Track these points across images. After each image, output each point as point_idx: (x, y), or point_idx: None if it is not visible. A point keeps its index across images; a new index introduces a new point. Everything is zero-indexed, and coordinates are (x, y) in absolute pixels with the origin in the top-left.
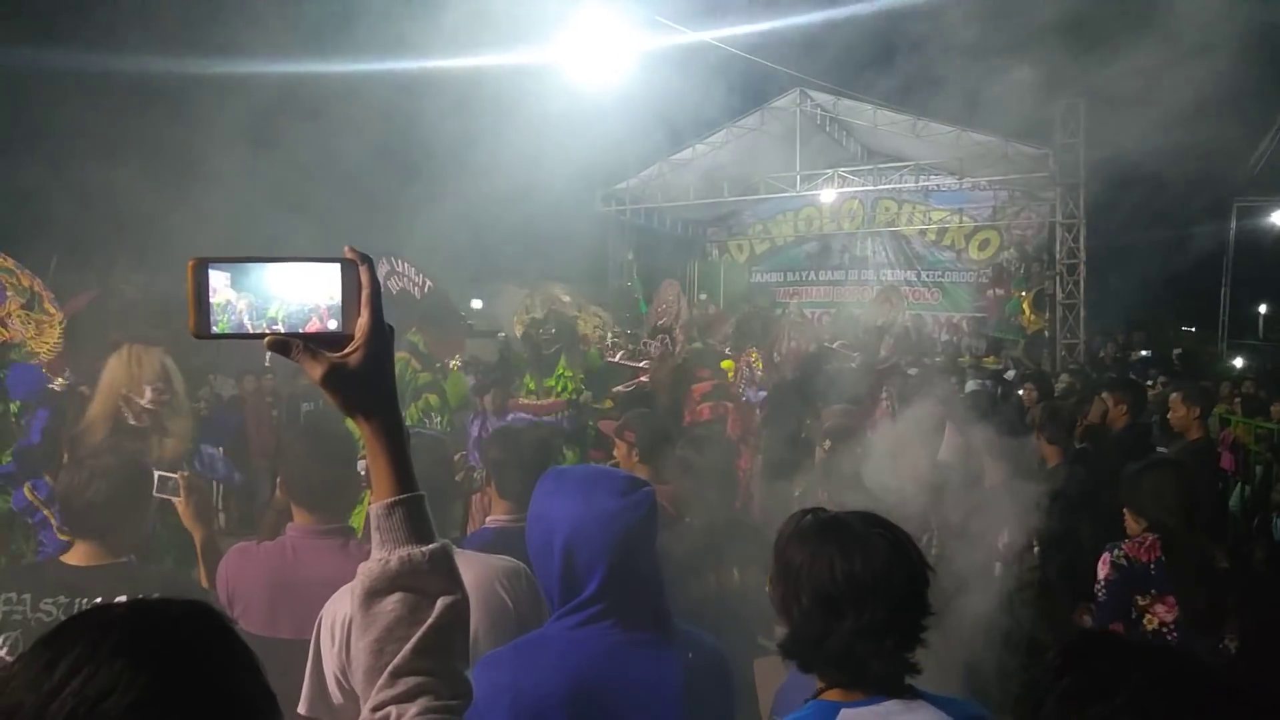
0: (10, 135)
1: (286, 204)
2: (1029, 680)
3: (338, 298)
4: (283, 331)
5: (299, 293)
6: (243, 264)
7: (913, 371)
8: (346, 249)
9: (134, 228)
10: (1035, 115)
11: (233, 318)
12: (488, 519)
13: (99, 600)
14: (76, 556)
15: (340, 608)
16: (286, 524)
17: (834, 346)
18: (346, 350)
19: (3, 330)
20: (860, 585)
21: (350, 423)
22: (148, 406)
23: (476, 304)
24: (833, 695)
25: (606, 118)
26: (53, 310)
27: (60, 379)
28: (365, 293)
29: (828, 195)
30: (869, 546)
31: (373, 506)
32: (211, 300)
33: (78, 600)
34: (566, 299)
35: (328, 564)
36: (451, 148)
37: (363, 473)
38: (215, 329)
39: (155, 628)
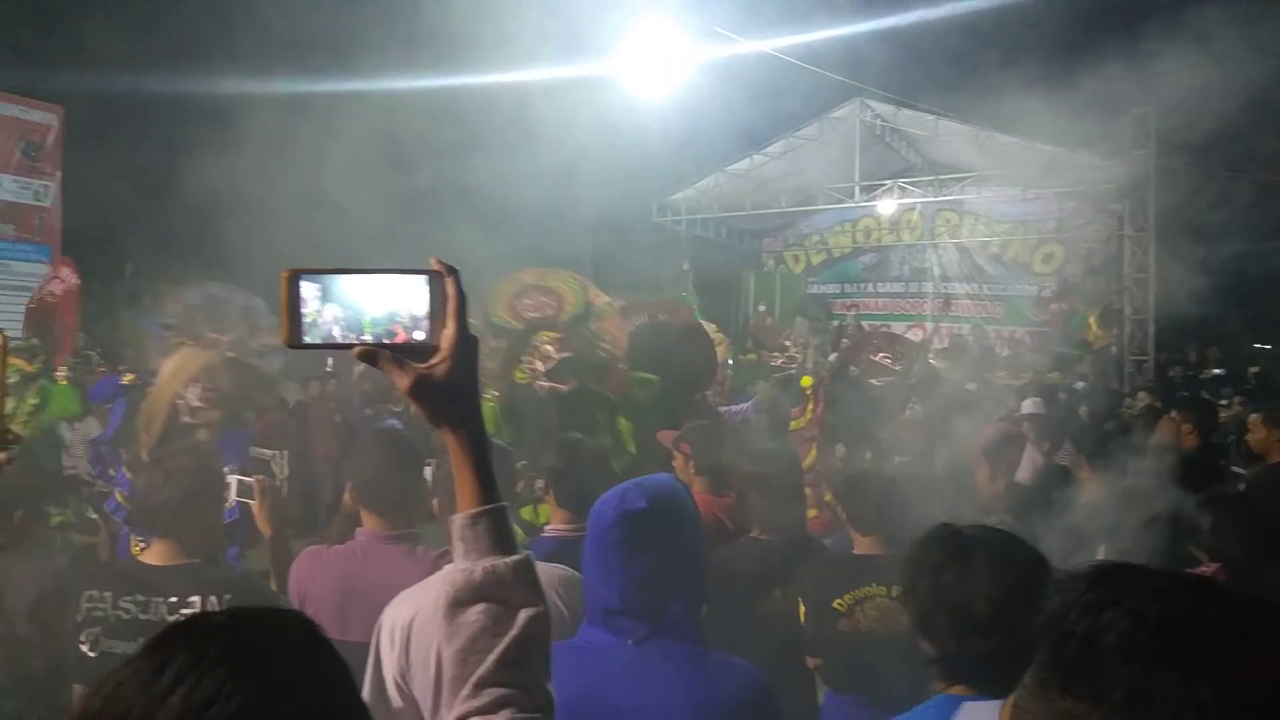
0: (91, 152)
1: (347, 218)
2: (1058, 600)
3: (424, 309)
4: (371, 342)
5: (387, 304)
6: (333, 275)
7: (971, 387)
8: (433, 260)
9: (201, 238)
10: (1103, 124)
11: (323, 328)
12: (547, 528)
13: (173, 600)
14: (153, 556)
15: (400, 611)
16: (355, 528)
17: (876, 359)
18: (433, 361)
19: None
20: (998, 605)
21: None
22: (197, 405)
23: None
24: (957, 690)
25: (663, 129)
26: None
27: (131, 375)
28: (451, 304)
29: (886, 206)
30: (1007, 565)
31: (456, 516)
32: (303, 311)
33: (153, 599)
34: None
35: (395, 569)
36: (506, 159)
37: (429, 480)
38: (306, 339)
39: (256, 637)
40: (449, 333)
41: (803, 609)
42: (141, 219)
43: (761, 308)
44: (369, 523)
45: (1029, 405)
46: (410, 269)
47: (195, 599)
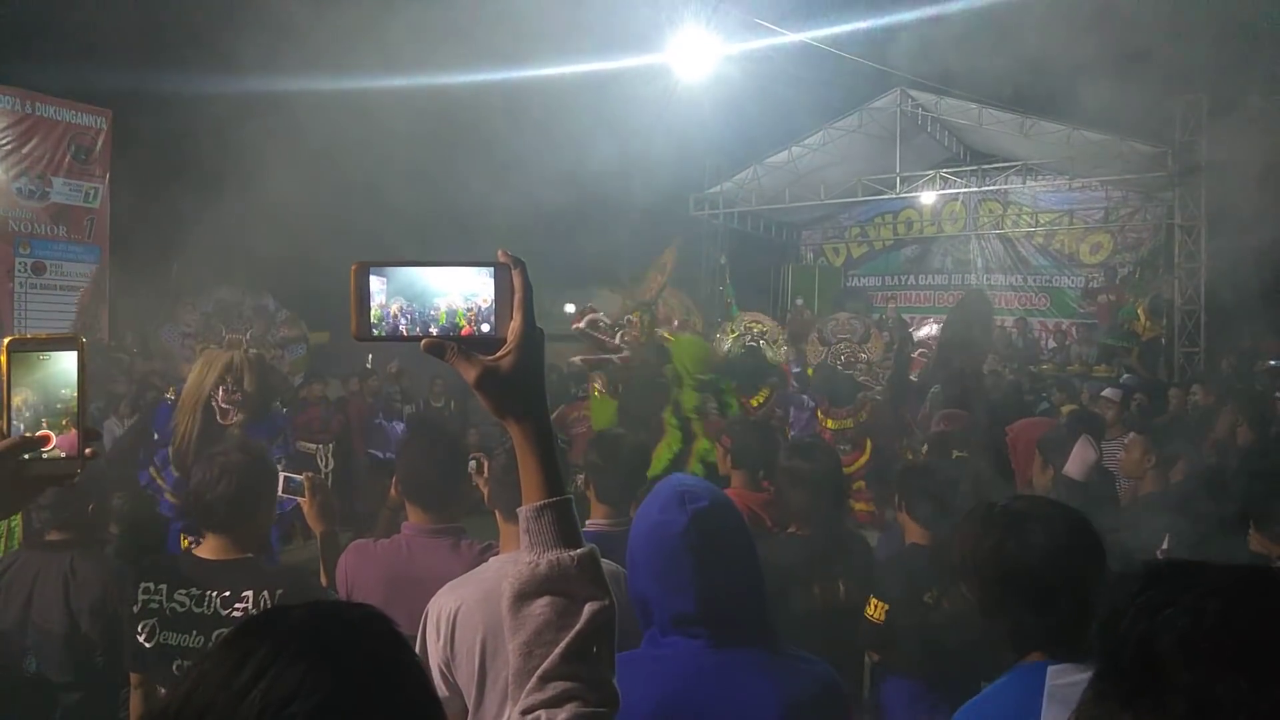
0: (138, 158)
1: (384, 211)
2: (1113, 600)
3: (491, 301)
4: (437, 335)
5: (453, 296)
6: (401, 267)
7: (1013, 380)
8: (500, 252)
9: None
10: (1153, 110)
11: (389, 321)
12: (588, 522)
13: (227, 594)
14: (206, 550)
15: (446, 603)
16: (401, 522)
17: (914, 355)
18: (499, 353)
19: None
20: (1063, 569)
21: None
22: (223, 405)
23: (569, 308)
24: (1035, 657)
25: (701, 121)
26: None
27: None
28: (518, 296)
29: (928, 197)
30: (1059, 530)
31: (522, 509)
32: (371, 304)
33: (208, 593)
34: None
35: (440, 562)
36: (543, 153)
37: (473, 475)
38: (374, 332)
39: (336, 632)
40: (515, 325)
41: (876, 606)
42: (188, 220)
43: (799, 301)
44: (414, 517)
45: (1109, 393)
46: (477, 261)
47: (248, 593)
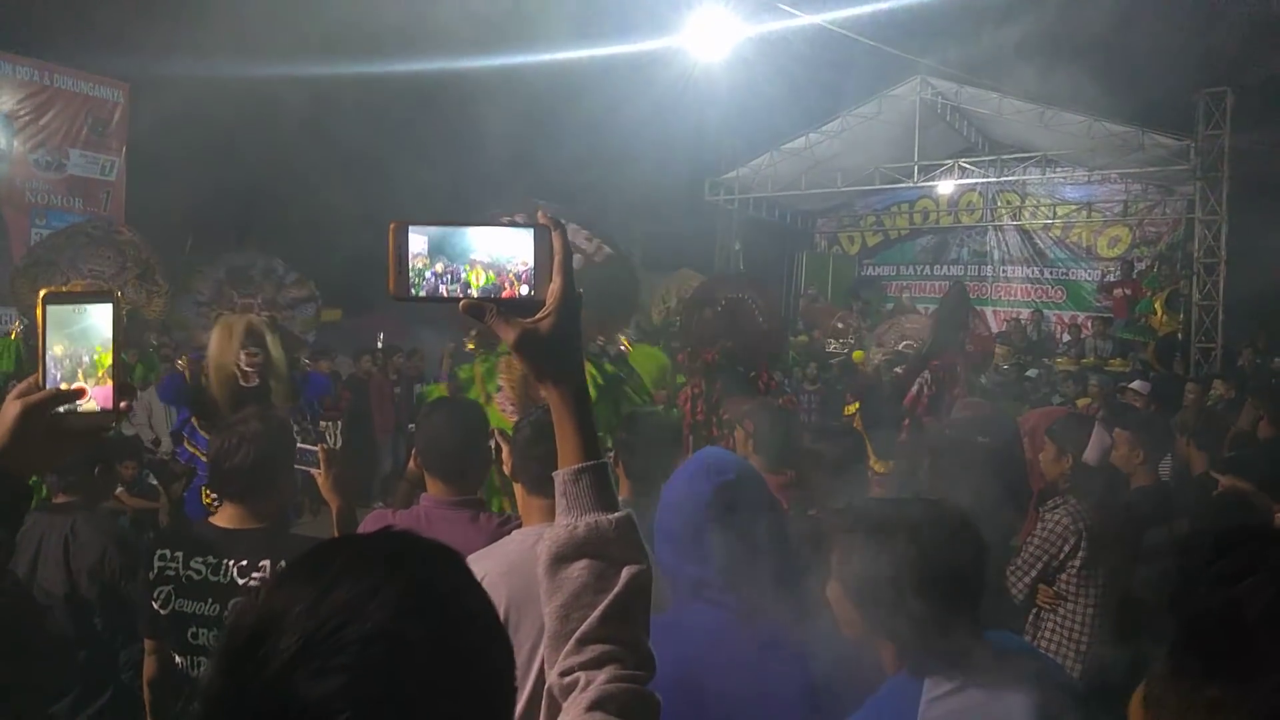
0: (154, 134)
1: (399, 189)
2: (1184, 570)
3: (530, 263)
4: (476, 296)
5: (493, 258)
6: (440, 228)
7: (1032, 373)
8: (540, 214)
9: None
10: (1175, 102)
11: (428, 281)
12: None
13: (244, 563)
14: (223, 519)
15: None
16: (419, 494)
17: (900, 348)
18: (538, 316)
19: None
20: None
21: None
22: (245, 369)
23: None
24: (907, 671)
25: (717, 105)
26: (161, 282)
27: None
28: (558, 259)
29: (946, 187)
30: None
31: (559, 472)
32: (410, 263)
33: (224, 561)
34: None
35: (459, 534)
36: (559, 137)
37: (493, 448)
38: (413, 292)
39: (411, 549)
40: (555, 287)
41: None
42: (201, 194)
43: (811, 290)
44: (433, 489)
45: (1138, 385)
46: (517, 222)
47: (265, 563)
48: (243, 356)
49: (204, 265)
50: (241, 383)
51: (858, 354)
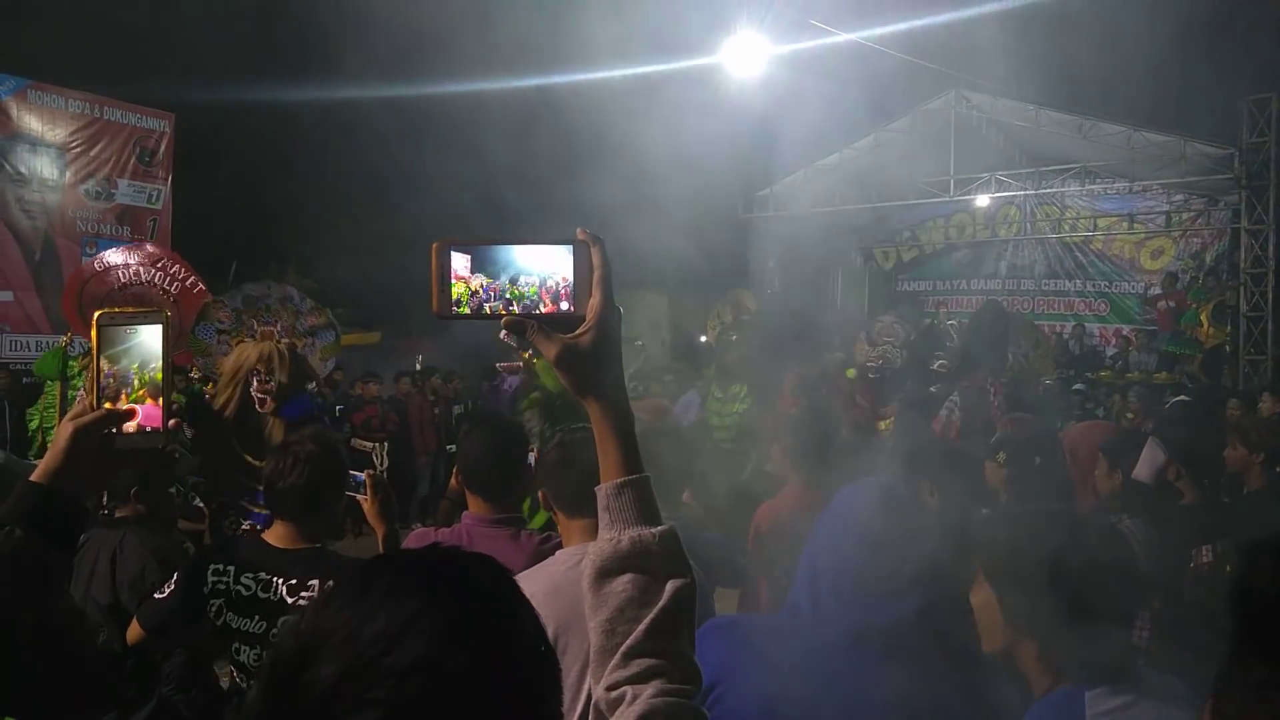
0: (202, 161)
1: (440, 207)
2: (1243, 580)
3: (570, 278)
4: (518, 313)
5: (533, 275)
6: (482, 246)
7: (1078, 388)
8: (580, 230)
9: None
10: (1218, 111)
11: (470, 299)
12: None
13: (293, 582)
14: (274, 537)
15: None
16: (461, 512)
17: (935, 368)
18: (579, 331)
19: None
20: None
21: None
22: (259, 395)
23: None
24: (1068, 683)
25: (752, 123)
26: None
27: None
28: (597, 274)
29: (982, 200)
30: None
31: (602, 487)
32: (453, 282)
33: (274, 579)
34: (753, 306)
35: (500, 552)
36: (592, 154)
37: (533, 465)
38: (456, 310)
39: (457, 570)
40: (595, 302)
41: None
42: (246, 223)
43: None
44: (474, 506)
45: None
46: (557, 239)
47: (314, 582)
48: (255, 382)
49: (222, 296)
50: (256, 408)
51: (849, 370)
